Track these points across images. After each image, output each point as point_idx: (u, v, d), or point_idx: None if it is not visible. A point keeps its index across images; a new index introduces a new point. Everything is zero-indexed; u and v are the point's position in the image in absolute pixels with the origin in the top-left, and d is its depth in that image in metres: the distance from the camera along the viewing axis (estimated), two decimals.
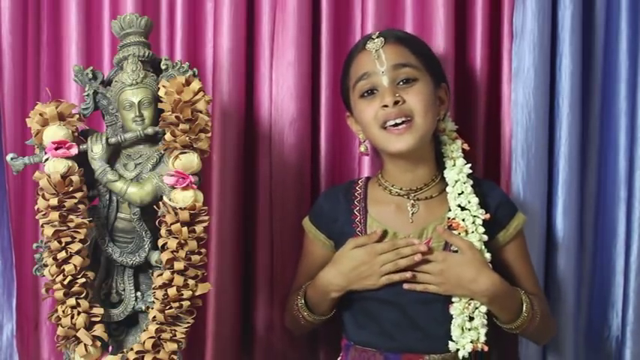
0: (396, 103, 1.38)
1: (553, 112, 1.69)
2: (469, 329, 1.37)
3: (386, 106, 1.38)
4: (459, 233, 1.39)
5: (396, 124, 1.39)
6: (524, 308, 1.38)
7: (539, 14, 1.63)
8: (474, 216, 1.40)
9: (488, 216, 1.41)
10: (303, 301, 1.48)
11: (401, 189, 1.46)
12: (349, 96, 1.48)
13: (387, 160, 1.48)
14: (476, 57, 1.68)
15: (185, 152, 1.32)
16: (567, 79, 1.66)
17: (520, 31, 1.65)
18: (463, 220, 1.39)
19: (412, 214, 1.44)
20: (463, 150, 1.48)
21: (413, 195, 1.45)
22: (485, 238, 1.40)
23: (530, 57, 1.64)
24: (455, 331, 1.37)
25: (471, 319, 1.37)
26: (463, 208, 1.41)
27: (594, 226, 1.76)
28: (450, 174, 1.44)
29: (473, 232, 1.39)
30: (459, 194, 1.42)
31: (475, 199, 1.41)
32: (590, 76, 1.72)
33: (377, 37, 1.43)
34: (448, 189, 1.44)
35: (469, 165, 1.46)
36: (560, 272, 1.69)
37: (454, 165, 1.45)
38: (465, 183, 1.42)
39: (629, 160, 1.70)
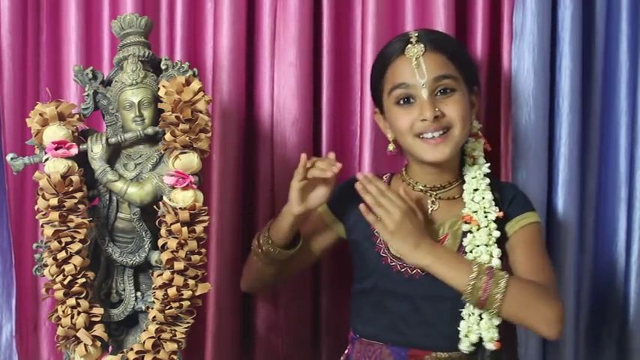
0: (435, 117, 1.37)
1: (553, 112, 1.69)
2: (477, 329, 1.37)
3: (425, 119, 1.38)
4: (472, 228, 1.39)
5: (433, 137, 1.40)
6: (470, 275, 1.31)
7: (539, 14, 1.64)
8: (487, 212, 1.40)
9: (501, 214, 1.40)
10: (267, 233, 1.48)
11: (424, 186, 1.47)
12: (382, 97, 1.46)
13: (413, 161, 1.48)
14: (476, 57, 1.68)
15: (185, 152, 1.32)
16: (567, 79, 1.67)
17: (520, 31, 1.65)
18: (475, 212, 1.40)
19: (431, 211, 1.45)
20: (485, 150, 1.49)
21: (435, 193, 1.46)
22: (497, 234, 1.39)
23: (530, 57, 1.64)
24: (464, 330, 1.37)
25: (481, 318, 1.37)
26: (477, 203, 1.42)
27: (594, 226, 1.77)
28: (468, 171, 1.45)
29: (486, 226, 1.39)
30: (475, 190, 1.42)
31: (489, 196, 1.41)
32: (590, 76, 1.72)
33: (416, 42, 1.40)
34: (465, 185, 1.44)
35: (488, 164, 1.46)
36: (560, 272, 1.69)
37: (474, 163, 1.46)
38: (481, 180, 1.43)
39: (630, 160, 1.71)
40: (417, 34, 1.42)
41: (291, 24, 1.68)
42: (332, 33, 1.72)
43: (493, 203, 1.41)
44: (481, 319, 1.35)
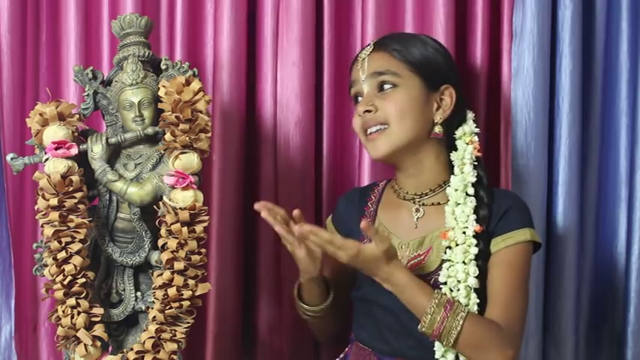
0: (367, 111, 1.40)
1: (553, 112, 1.69)
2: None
3: (360, 115, 1.41)
4: (450, 244, 1.36)
5: (370, 132, 1.41)
6: (428, 307, 1.28)
7: (539, 14, 1.64)
8: (465, 227, 1.35)
9: (479, 228, 1.35)
10: (296, 291, 1.49)
11: (407, 193, 1.45)
12: None
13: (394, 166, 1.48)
14: (476, 57, 1.68)
15: (185, 152, 1.32)
16: (567, 79, 1.67)
17: (520, 31, 1.65)
18: (453, 229, 1.36)
19: (417, 218, 1.43)
20: (477, 156, 1.42)
21: (418, 200, 1.44)
22: (475, 250, 1.34)
23: (530, 57, 1.64)
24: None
25: None
26: (457, 218, 1.37)
27: (594, 227, 1.76)
28: (454, 181, 1.40)
29: (463, 242, 1.35)
30: (457, 204, 1.38)
31: (469, 210, 1.36)
32: (590, 76, 1.72)
33: (369, 45, 1.45)
34: (449, 196, 1.39)
35: (474, 173, 1.39)
36: (560, 272, 1.69)
37: (462, 172, 1.40)
38: (461, 193, 1.38)
39: (630, 160, 1.71)
40: (376, 40, 1.47)
41: (294, 24, 1.68)
42: (332, 33, 1.72)
43: (473, 217, 1.36)
44: None
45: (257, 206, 1.33)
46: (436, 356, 1.34)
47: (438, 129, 1.42)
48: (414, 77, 1.41)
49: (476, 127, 1.45)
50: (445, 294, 1.32)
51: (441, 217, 1.40)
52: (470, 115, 1.46)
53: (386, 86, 1.40)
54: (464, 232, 1.35)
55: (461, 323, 1.28)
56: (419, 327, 1.29)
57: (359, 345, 1.46)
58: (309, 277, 1.43)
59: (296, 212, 1.36)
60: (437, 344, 1.33)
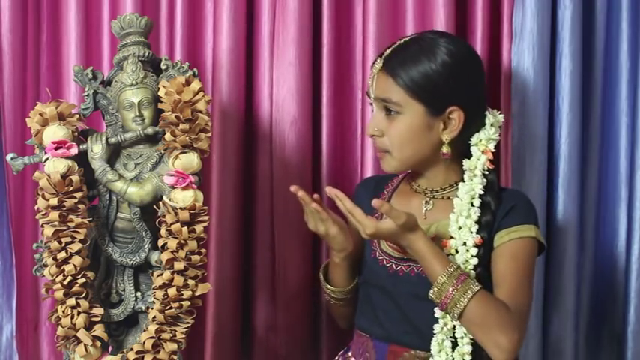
0: (373, 135, 1.41)
1: (553, 112, 1.69)
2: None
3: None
4: (451, 251, 1.36)
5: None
6: (442, 275, 1.29)
7: (538, 14, 1.64)
8: (465, 239, 1.35)
9: (479, 240, 1.35)
10: (322, 275, 1.51)
11: (419, 186, 1.46)
12: None
13: None
14: None
15: (185, 152, 1.33)
16: (567, 79, 1.67)
17: (520, 31, 1.65)
18: (451, 238, 1.36)
19: (425, 210, 1.44)
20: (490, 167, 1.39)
21: (429, 194, 1.45)
22: (475, 261, 1.34)
23: (529, 57, 1.64)
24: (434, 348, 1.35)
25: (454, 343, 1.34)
26: (460, 228, 1.37)
27: (594, 227, 1.77)
28: (461, 190, 1.38)
29: (465, 252, 1.35)
30: (461, 215, 1.37)
31: (471, 222, 1.36)
32: (590, 76, 1.72)
33: (380, 57, 1.40)
34: (455, 205, 1.38)
35: (482, 183, 1.37)
36: (560, 272, 1.69)
37: (471, 181, 1.38)
38: (469, 203, 1.37)
39: (630, 160, 1.71)
40: (390, 50, 1.41)
41: (290, 24, 1.68)
42: (332, 33, 1.72)
43: (475, 228, 1.36)
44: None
45: (292, 188, 1.38)
46: (432, 345, 1.34)
47: (445, 149, 1.39)
48: (416, 104, 1.37)
49: (494, 132, 1.40)
50: (460, 267, 1.32)
51: (448, 210, 1.40)
52: (489, 119, 1.40)
53: (392, 112, 1.39)
54: (464, 243, 1.36)
55: (467, 299, 1.29)
56: (429, 292, 1.31)
57: (359, 333, 1.47)
58: (345, 254, 1.44)
59: (316, 196, 1.42)
60: (434, 339, 1.34)
